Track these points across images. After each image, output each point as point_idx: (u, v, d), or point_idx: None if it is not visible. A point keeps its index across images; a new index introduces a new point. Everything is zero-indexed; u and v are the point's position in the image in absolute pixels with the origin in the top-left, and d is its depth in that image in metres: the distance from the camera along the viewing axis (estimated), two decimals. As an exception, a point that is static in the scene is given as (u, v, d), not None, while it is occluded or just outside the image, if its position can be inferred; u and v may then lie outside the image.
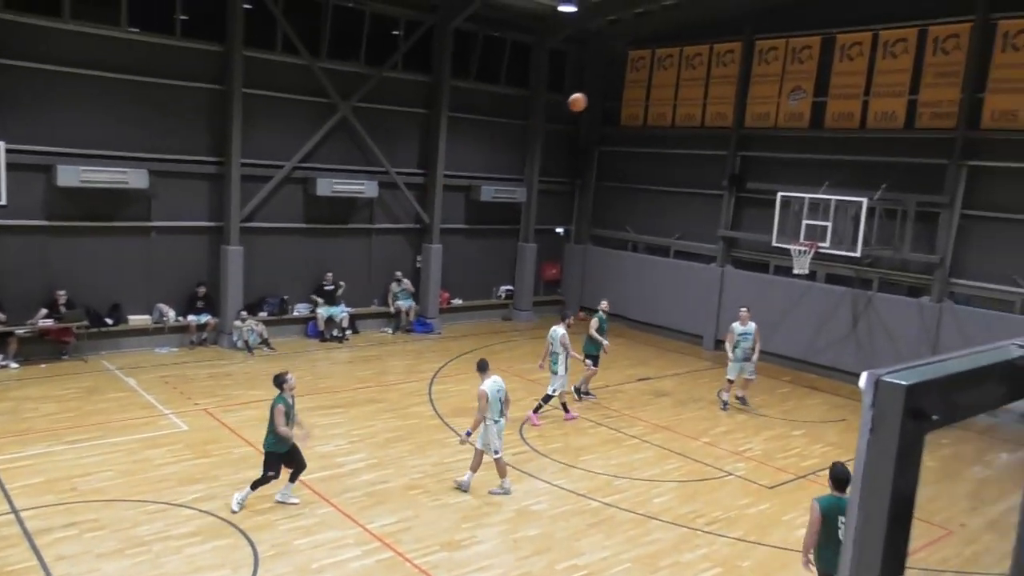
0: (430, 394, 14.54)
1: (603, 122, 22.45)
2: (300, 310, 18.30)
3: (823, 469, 11.76)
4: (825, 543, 7.28)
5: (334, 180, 18.00)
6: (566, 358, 13.20)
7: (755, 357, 14.37)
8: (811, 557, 7.25)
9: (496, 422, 10.11)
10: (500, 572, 8.31)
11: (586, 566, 8.55)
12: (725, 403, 14.66)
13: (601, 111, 22.34)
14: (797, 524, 9.82)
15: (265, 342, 16.86)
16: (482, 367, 10.40)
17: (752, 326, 14.36)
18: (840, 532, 7.26)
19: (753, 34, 18.76)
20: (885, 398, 1.23)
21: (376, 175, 18.92)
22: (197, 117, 16.46)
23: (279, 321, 17.80)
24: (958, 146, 15.26)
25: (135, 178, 15.30)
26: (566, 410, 13.52)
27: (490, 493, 10.21)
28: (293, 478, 9.60)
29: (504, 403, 10.24)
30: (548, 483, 10.71)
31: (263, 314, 17.54)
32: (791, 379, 17.01)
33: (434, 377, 15.69)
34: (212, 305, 16.97)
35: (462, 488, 10.21)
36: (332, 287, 18.37)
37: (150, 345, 16.25)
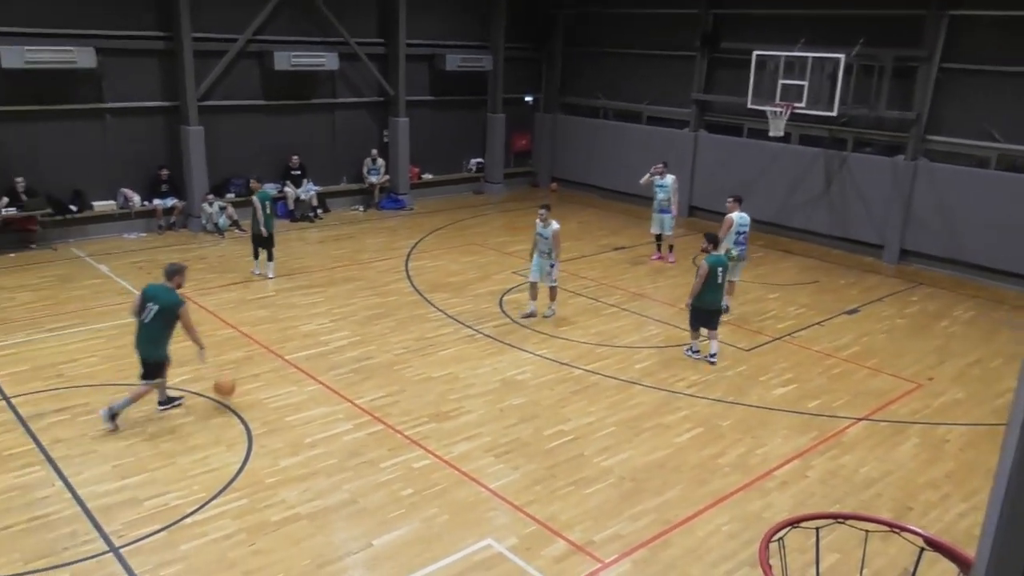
0: (407, 270, 14.50)
1: (569, -18, 21.48)
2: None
3: (799, 331, 12.06)
4: (710, 288, 10.36)
5: (292, 53, 17.20)
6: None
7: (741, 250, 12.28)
8: (688, 302, 10.59)
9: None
10: (489, 440, 8.51)
11: (572, 431, 8.79)
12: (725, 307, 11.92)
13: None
14: (773, 384, 10.15)
15: (235, 224, 16.54)
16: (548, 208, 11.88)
17: (747, 217, 12.30)
18: (718, 279, 10.44)
19: None
20: None
21: (336, 46, 18.10)
22: (141, -13, 15.47)
23: (247, 203, 17.35)
24: (937, -4, 14.84)
25: (82, 57, 14.50)
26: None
27: (544, 317, 12.16)
28: None
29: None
30: (531, 353, 10.87)
31: (230, 196, 17.15)
32: (764, 243, 17.16)
33: (410, 253, 15.61)
34: (177, 188, 16.54)
35: (531, 313, 12.20)
36: (299, 171, 17.97)
37: (118, 231, 15.91)
